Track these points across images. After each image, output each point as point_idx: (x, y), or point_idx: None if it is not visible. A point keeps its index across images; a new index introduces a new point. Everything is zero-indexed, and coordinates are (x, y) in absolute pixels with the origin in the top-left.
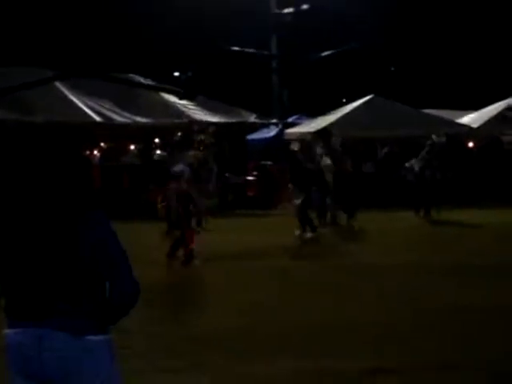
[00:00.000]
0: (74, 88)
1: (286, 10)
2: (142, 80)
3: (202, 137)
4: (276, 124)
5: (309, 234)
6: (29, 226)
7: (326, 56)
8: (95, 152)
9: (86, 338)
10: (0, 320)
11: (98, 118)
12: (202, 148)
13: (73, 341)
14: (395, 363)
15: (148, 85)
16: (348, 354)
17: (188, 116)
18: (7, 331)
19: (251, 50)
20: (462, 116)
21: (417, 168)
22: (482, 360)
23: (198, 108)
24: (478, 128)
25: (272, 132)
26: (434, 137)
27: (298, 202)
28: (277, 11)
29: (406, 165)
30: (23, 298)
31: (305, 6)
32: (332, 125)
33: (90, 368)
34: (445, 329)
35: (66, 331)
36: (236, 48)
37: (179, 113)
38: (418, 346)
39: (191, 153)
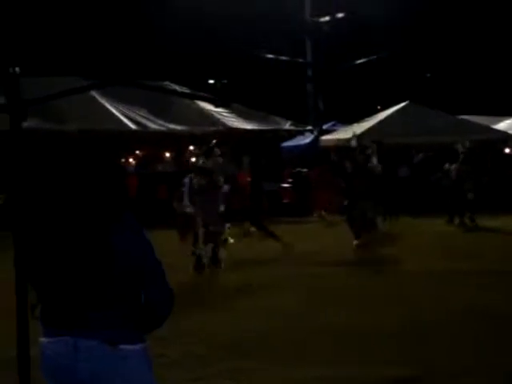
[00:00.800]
0: (109, 96)
1: (322, 19)
2: (176, 88)
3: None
4: (311, 131)
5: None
6: (62, 235)
7: (360, 63)
8: (131, 160)
9: (121, 346)
10: (36, 328)
11: (133, 126)
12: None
13: (108, 350)
14: (421, 371)
15: (183, 92)
16: (375, 362)
17: (223, 123)
18: (42, 340)
19: (286, 58)
20: (499, 122)
21: (453, 174)
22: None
23: (234, 115)
24: None
25: (307, 139)
26: (459, 146)
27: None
28: (312, 19)
29: (445, 166)
30: (58, 306)
31: (340, 15)
32: (367, 131)
33: (125, 377)
34: (474, 336)
35: (100, 340)
36: (271, 55)
37: (214, 120)
38: (445, 353)
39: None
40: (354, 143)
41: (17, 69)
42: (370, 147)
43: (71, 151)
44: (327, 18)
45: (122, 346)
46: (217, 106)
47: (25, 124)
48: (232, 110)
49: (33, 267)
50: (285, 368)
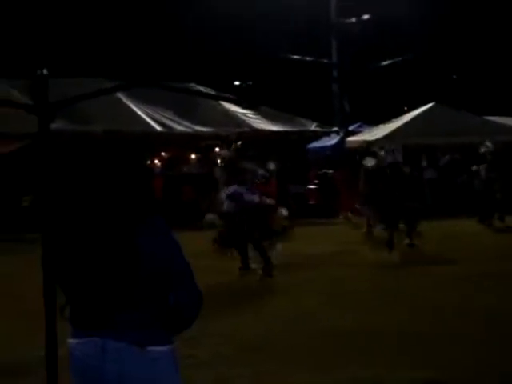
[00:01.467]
0: (135, 97)
1: (349, 20)
2: (202, 89)
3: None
4: (337, 132)
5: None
6: (89, 236)
7: (386, 64)
8: (156, 161)
9: (148, 348)
10: (64, 329)
11: (158, 128)
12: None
13: (136, 351)
14: (448, 375)
15: (209, 94)
16: (401, 364)
17: (249, 125)
18: (71, 340)
19: (311, 59)
20: None
21: (483, 175)
22: None
23: (259, 117)
24: None
25: (333, 140)
26: (488, 143)
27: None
28: (338, 20)
29: (473, 167)
30: (85, 307)
31: (366, 16)
32: (393, 132)
33: (153, 378)
34: (501, 340)
35: (128, 341)
36: (296, 56)
37: (240, 122)
38: (471, 357)
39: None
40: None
41: (44, 70)
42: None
43: (98, 153)
44: (353, 20)
45: (151, 348)
46: (244, 107)
47: (52, 125)
48: (258, 112)
49: (61, 268)
50: (310, 371)
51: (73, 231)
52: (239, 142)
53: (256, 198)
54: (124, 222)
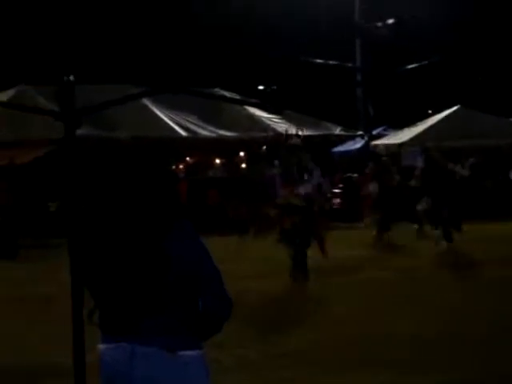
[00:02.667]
0: (160, 103)
1: (373, 24)
2: (226, 94)
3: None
4: (362, 136)
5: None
6: (116, 241)
7: (411, 68)
8: (181, 166)
9: (178, 353)
10: (92, 335)
11: (183, 133)
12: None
13: (166, 356)
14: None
15: (234, 98)
16: (437, 367)
17: (273, 129)
18: (100, 346)
19: (335, 63)
20: None
21: None
22: None
23: (283, 121)
24: None
25: (358, 144)
26: None
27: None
28: (362, 23)
29: None
30: (114, 313)
31: (391, 21)
32: (418, 136)
33: (183, 383)
34: None
35: (158, 346)
36: (319, 60)
37: (264, 126)
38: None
39: None
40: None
41: (71, 77)
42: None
43: (124, 158)
44: (378, 24)
45: (180, 353)
46: (270, 112)
47: (78, 131)
48: (282, 116)
49: (89, 273)
50: (338, 377)
51: (101, 236)
52: (264, 147)
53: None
54: (152, 227)
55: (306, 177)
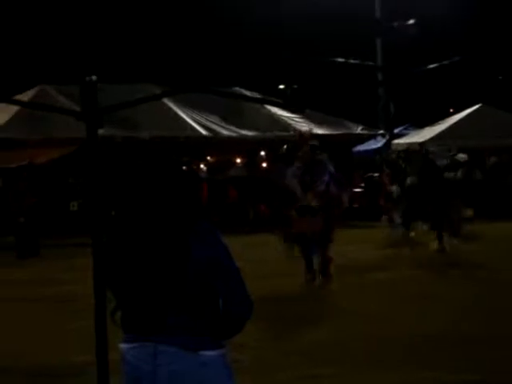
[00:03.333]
0: (180, 102)
1: (397, 23)
2: (247, 93)
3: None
4: (383, 135)
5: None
6: (141, 240)
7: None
8: (202, 166)
9: (200, 352)
10: (114, 333)
11: (204, 132)
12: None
13: (187, 356)
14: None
15: (256, 98)
16: (455, 366)
17: (294, 129)
18: (122, 345)
19: (356, 61)
20: None
21: None
22: None
23: (304, 120)
24: None
25: (378, 143)
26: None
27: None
28: (383, 22)
29: None
30: (137, 312)
31: (411, 21)
32: (439, 134)
33: (205, 383)
34: None
35: (180, 346)
36: (340, 59)
37: (285, 125)
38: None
39: None
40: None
41: (93, 77)
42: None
43: (145, 159)
44: (398, 23)
45: (202, 352)
46: (293, 111)
47: (99, 131)
48: (303, 115)
49: (112, 273)
50: (358, 374)
51: (125, 236)
52: (285, 146)
53: None
54: (175, 226)
55: (323, 177)
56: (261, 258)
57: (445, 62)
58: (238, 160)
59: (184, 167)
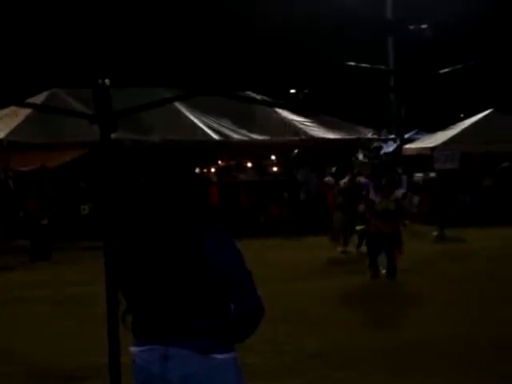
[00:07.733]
0: (191, 106)
1: (410, 26)
2: (258, 97)
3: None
4: (394, 140)
5: None
6: (154, 244)
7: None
8: (212, 170)
9: (212, 356)
10: (127, 336)
11: (215, 136)
12: None
13: (199, 359)
14: None
15: (267, 101)
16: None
17: (305, 133)
18: (133, 349)
19: (367, 65)
20: None
21: None
22: None
23: (315, 125)
24: None
25: (390, 148)
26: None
27: None
28: (395, 26)
29: None
30: (149, 316)
31: (424, 26)
32: (450, 140)
33: None
34: None
35: (192, 350)
36: (351, 63)
37: (296, 130)
38: None
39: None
40: None
41: (106, 80)
42: None
43: (156, 163)
44: (413, 26)
45: (214, 355)
46: (306, 115)
47: (112, 135)
48: (314, 119)
49: (125, 277)
50: (375, 378)
51: (138, 240)
52: (296, 150)
53: None
54: (189, 231)
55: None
56: (276, 261)
57: (457, 67)
58: (249, 164)
59: (194, 172)
